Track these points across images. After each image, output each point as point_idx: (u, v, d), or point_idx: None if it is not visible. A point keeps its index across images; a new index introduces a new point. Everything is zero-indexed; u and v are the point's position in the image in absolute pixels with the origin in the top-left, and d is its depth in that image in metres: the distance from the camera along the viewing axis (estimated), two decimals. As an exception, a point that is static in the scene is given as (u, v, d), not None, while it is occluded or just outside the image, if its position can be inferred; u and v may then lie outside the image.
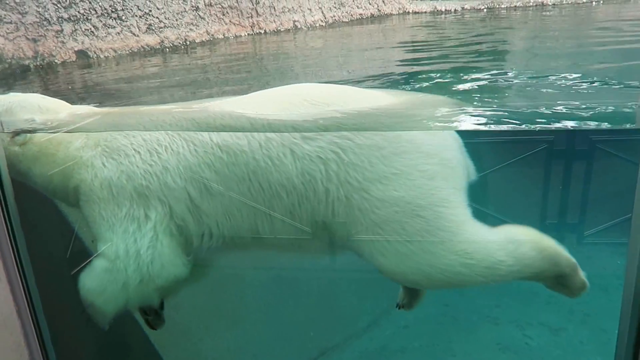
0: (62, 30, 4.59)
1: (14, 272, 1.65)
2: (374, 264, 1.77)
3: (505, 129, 2.12)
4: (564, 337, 2.87)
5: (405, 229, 1.73)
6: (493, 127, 2.14)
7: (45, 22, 4.46)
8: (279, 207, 1.77)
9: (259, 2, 6.44)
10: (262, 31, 6.50)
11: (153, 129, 1.80)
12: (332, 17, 7.58)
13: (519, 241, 1.78)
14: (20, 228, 1.69)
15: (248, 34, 6.33)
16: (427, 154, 1.78)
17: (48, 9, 4.48)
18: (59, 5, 4.55)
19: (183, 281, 1.88)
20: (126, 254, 1.77)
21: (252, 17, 6.40)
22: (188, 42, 5.67)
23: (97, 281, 1.87)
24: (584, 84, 2.69)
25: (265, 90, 1.97)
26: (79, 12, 4.71)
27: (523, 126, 2.11)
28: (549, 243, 1.81)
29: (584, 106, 2.18)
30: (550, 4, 9.02)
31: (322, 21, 7.38)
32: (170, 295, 2.00)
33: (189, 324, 2.93)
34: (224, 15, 6.10)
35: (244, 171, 1.74)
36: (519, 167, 3.18)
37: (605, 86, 2.69)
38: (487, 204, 2.98)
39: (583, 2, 9.01)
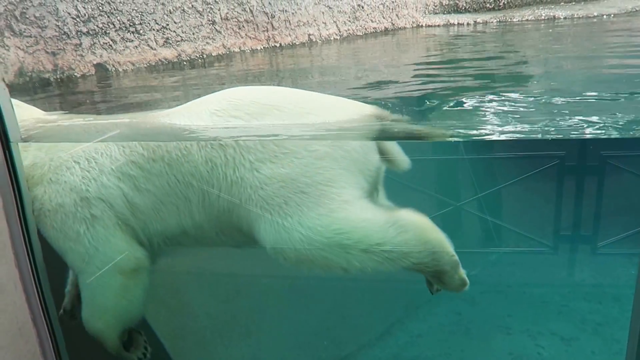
0: (81, 44, 4.69)
1: (29, 281, 1.69)
2: (257, 241, 1.81)
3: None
4: (576, 347, 2.86)
5: (288, 203, 1.76)
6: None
7: (64, 36, 4.56)
8: (193, 197, 1.88)
9: (274, 16, 6.56)
10: (278, 44, 6.60)
11: (93, 139, 1.98)
12: (346, 31, 7.67)
13: (402, 227, 1.75)
14: (37, 237, 1.74)
15: (264, 47, 6.43)
16: None
17: (67, 23, 4.58)
18: (78, 19, 4.65)
19: (147, 274, 2.01)
20: (89, 256, 1.90)
21: (267, 30, 6.51)
22: (205, 56, 5.77)
23: (87, 297, 2.01)
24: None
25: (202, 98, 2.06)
26: (97, 26, 4.82)
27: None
28: (435, 236, 1.79)
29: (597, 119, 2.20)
30: (562, 17, 9.03)
31: (336, 35, 7.47)
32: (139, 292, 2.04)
33: (203, 332, 2.96)
34: (240, 29, 6.21)
35: (161, 165, 1.87)
36: (531, 182, 3.21)
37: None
38: (502, 217, 3.00)
39: (594, 16, 9.01)
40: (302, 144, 1.80)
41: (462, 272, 1.86)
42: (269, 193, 1.77)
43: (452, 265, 1.82)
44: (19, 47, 4.21)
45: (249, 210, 1.80)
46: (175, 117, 1.94)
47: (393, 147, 1.97)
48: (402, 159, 2.00)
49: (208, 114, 1.87)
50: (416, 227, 1.76)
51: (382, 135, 1.94)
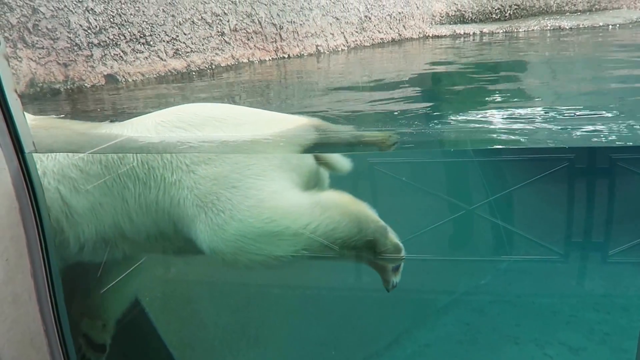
0: (92, 55, 4.75)
1: (44, 291, 1.70)
2: (195, 243, 1.87)
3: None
4: (584, 357, 2.85)
5: (219, 199, 1.84)
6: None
7: (76, 48, 4.62)
8: (130, 199, 1.95)
9: (282, 28, 6.62)
10: (286, 55, 6.66)
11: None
12: (354, 42, 7.72)
13: (325, 205, 1.83)
14: (54, 248, 1.75)
15: (272, 58, 6.49)
16: None
17: (79, 35, 4.64)
18: (89, 31, 4.72)
19: None
20: None
21: (276, 41, 6.57)
22: (214, 66, 5.83)
23: None
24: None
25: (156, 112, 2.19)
26: (108, 37, 4.88)
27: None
28: (356, 207, 1.86)
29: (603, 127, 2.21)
30: (567, 27, 9.05)
31: (344, 45, 7.53)
32: None
33: (212, 342, 2.96)
34: (248, 40, 6.28)
35: (99, 167, 1.95)
36: (540, 185, 3.20)
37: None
38: (510, 221, 2.99)
39: (600, 26, 9.01)
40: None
41: (393, 237, 1.92)
42: (203, 191, 1.86)
43: (380, 232, 1.88)
44: (31, 59, 4.28)
45: (186, 212, 1.88)
46: (128, 127, 2.04)
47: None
48: (341, 163, 2.08)
49: (154, 125, 1.99)
50: (338, 204, 1.85)
51: (317, 145, 2.02)
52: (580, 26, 9.01)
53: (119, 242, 2.02)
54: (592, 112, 2.67)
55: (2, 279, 1.57)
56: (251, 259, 1.84)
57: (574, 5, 11.05)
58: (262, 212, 1.79)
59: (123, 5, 4.98)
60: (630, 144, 2.07)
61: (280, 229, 1.78)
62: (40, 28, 4.34)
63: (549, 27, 9.09)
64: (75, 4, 4.58)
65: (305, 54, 6.85)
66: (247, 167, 1.87)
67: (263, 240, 1.79)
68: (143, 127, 2.01)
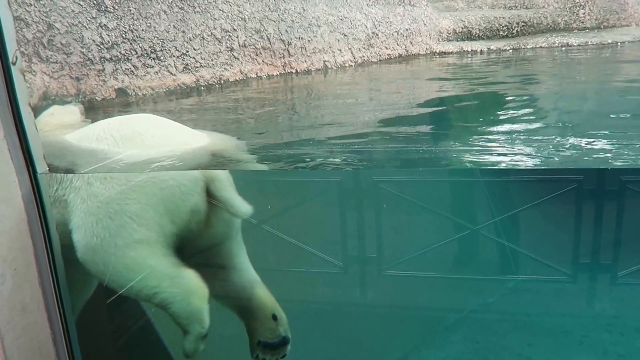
0: (103, 70, 4.83)
1: (52, 300, 1.71)
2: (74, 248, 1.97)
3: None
4: (597, 379, 2.78)
5: (98, 224, 1.95)
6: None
7: (88, 62, 4.70)
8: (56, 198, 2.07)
9: (290, 43, 6.70)
10: (294, 71, 6.72)
11: None
12: (361, 58, 7.79)
13: (175, 283, 1.95)
14: (60, 257, 1.77)
15: (280, 73, 6.56)
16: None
17: (92, 50, 4.73)
18: (102, 46, 4.81)
19: None
20: None
21: (284, 57, 6.65)
22: (222, 81, 5.90)
23: None
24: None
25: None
26: (120, 52, 4.96)
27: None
28: (198, 303, 1.97)
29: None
30: (575, 44, 9.06)
31: (351, 61, 7.60)
32: None
33: (218, 354, 2.94)
34: (257, 55, 6.36)
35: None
36: (548, 207, 3.18)
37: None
38: (518, 242, 2.97)
39: (608, 43, 9.01)
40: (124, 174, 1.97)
41: (197, 346, 2.04)
42: (88, 208, 1.96)
43: (195, 335, 2.00)
44: (45, 73, 4.36)
45: (74, 217, 1.98)
46: (77, 133, 2.21)
47: (229, 194, 2.04)
48: (237, 206, 2.07)
49: (89, 135, 2.15)
50: (186, 289, 1.94)
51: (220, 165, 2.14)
52: (589, 43, 9.02)
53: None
54: (602, 133, 2.66)
55: (11, 287, 1.59)
56: (110, 285, 2.00)
57: (582, 22, 11.09)
58: (124, 257, 1.91)
59: (135, 21, 5.08)
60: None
61: (132, 279, 1.91)
62: (54, 43, 4.42)
63: (556, 44, 9.10)
64: (89, 20, 4.68)
65: (312, 70, 6.91)
66: (126, 200, 1.94)
67: (119, 279, 1.93)
68: (84, 135, 2.16)
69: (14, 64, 1.63)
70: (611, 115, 3.07)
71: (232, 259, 2.21)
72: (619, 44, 9.00)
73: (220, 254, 2.18)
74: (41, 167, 1.75)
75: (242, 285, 2.22)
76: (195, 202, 2.00)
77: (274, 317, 2.18)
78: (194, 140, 2.32)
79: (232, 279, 2.23)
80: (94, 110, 4.51)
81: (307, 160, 2.33)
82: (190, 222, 2.01)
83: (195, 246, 2.11)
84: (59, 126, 2.70)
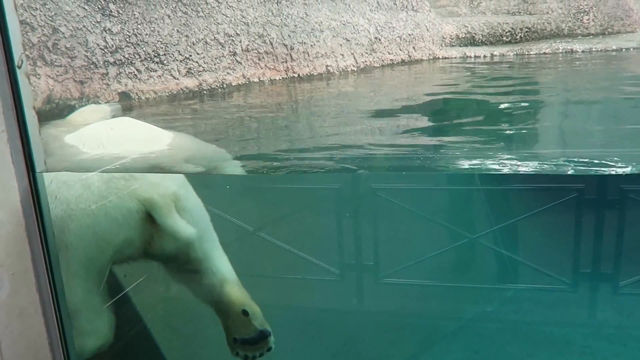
0: (107, 73, 4.85)
1: (49, 305, 1.71)
2: None
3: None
4: (605, 390, 2.75)
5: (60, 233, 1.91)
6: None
7: (92, 66, 4.72)
8: None
9: (293, 48, 6.72)
10: (296, 75, 6.74)
11: None
12: (363, 62, 7.80)
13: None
14: (58, 262, 1.77)
15: (282, 77, 6.57)
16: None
17: (96, 54, 4.75)
18: (106, 50, 4.83)
19: None
20: None
21: (286, 62, 6.66)
22: (225, 85, 5.92)
23: None
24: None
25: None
26: (124, 56, 4.99)
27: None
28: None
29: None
30: (579, 50, 9.03)
31: (354, 66, 7.61)
32: None
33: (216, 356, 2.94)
34: (260, 60, 6.38)
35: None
36: (549, 216, 3.17)
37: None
38: (519, 251, 2.95)
39: (613, 49, 8.97)
40: (85, 194, 1.97)
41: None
42: (56, 212, 1.94)
43: None
44: (49, 76, 4.38)
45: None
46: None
47: (169, 221, 2.03)
48: (179, 233, 2.06)
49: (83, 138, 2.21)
50: (78, 330, 1.93)
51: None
52: (593, 49, 8.99)
53: None
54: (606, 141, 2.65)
55: (8, 292, 1.60)
56: None
57: (586, 28, 11.06)
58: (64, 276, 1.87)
59: (139, 26, 5.10)
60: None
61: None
62: (59, 47, 4.45)
63: (560, 50, 9.08)
64: (93, 24, 4.70)
65: (315, 74, 6.93)
66: (71, 215, 1.93)
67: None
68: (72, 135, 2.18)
69: (19, 67, 1.64)
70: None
71: (201, 263, 2.22)
72: (623, 50, 8.96)
73: (188, 259, 2.19)
74: (41, 176, 1.75)
75: (212, 285, 2.21)
76: (126, 236, 2.01)
77: (245, 313, 2.16)
78: (158, 140, 2.36)
79: (202, 280, 2.22)
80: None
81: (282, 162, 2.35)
82: (122, 252, 2.04)
83: (149, 258, 2.15)
84: (82, 124, 2.77)
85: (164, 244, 2.07)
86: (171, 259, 2.18)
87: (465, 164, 2.22)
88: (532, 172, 2.11)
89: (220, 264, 2.25)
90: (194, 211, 2.16)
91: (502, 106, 4.16)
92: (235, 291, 2.22)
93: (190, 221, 2.09)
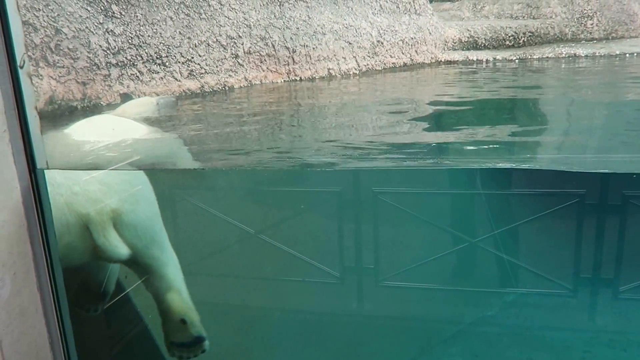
0: (109, 75, 4.86)
1: (50, 305, 1.72)
2: None
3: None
4: (605, 395, 2.74)
5: None
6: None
7: (94, 67, 4.73)
8: None
9: (295, 51, 6.73)
10: (298, 78, 6.75)
11: None
12: (365, 66, 7.82)
13: None
14: (58, 261, 1.78)
15: (284, 80, 6.59)
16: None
17: (98, 55, 4.77)
18: (108, 51, 4.85)
19: None
20: None
21: (288, 64, 6.68)
22: (227, 87, 5.93)
23: None
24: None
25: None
26: (126, 58, 5.00)
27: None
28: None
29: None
30: (583, 55, 9.02)
31: (355, 69, 7.62)
32: None
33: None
34: (261, 62, 6.39)
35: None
36: (550, 221, 3.17)
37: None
38: (519, 255, 2.95)
39: (617, 54, 8.95)
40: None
41: None
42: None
43: None
44: (52, 77, 4.40)
45: None
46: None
47: (101, 240, 2.06)
48: (109, 253, 2.09)
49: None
50: None
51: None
52: (597, 54, 8.97)
53: None
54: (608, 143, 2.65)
55: (10, 291, 1.60)
56: None
57: (590, 33, 11.06)
58: None
59: (142, 27, 5.12)
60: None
61: None
62: (62, 48, 4.47)
63: (564, 55, 9.06)
64: (96, 26, 4.72)
65: (316, 77, 6.94)
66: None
67: None
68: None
69: (21, 67, 1.65)
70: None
71: (149, 268, 2.28)
72: (627, 55, 8.93)
73: (137, 263, 2.25)
74: (42, 174, 1.76)
75: (158, 289, 2.28)
76: (68, 242, 2.03)
77: (183, 322, 2.24)
78: (130, 132, 2.63)
79: (152, 282, 2.29)
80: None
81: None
82: (70, 256, 2.05)
83: (102, 260, 2.21)
84: (132, 115, 3.24)
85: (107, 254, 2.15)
86: (121, 262, 2.23)
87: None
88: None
89: (168, 271, 2.31)
90: (139, 225, 2.21)
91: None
92: (177, 300, 2.28)
93: (133, 235, 2.16)
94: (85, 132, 2.94)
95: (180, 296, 2.28)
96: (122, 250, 2.10)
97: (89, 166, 2.31)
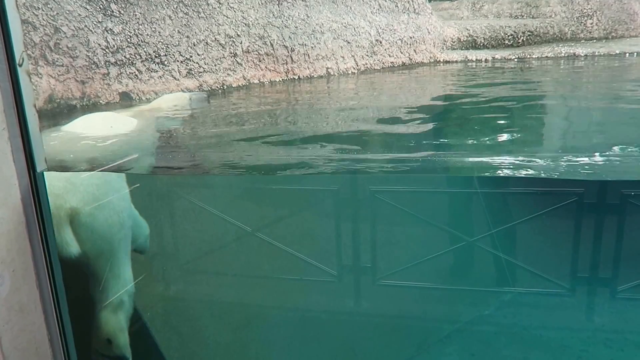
0: (108, 74, 4.87)
1: (49, 302, 1.73)
2: None
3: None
4: (600, 394, 2.75)
5: None
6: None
7: (93, 66, 4.74)
8: None
9: (294, 50, 6.74)
10: (296, 77, 6.76)
11: None
12: (364, 65, 7.82)
13: None
14: (57, 259, 1.78)
15: (282, 79, 6.59)
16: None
17: (97, 54, 4.77)
18: (107, 50, 4.85)
19: None
20: None
21: (287, 63, 6.68)
22: (225, 86, 5.94)
23: None
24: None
25: None
26: (125, 56, 5.00)
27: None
28: None
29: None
30: (582, 54, 9.02)
31: (354, 68, 7.62)
32: None
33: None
34: (260, 61, 6.40)
35: None
36: (548, 220, 3.17)
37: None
38: (517, 254, 2.96)
39: (616, 54, 8.96)
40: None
41: None
42: None
43: None
44: (51, 76, 4.40)
45: None
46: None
47: (57, 234, 2.05)
48: (60, 249, 2.07)
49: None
50: None
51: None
52: (596, 54, 8.97)
53: None
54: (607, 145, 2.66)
55: (9, 288, 1.61)
56: None
57: (589, 32, 11.07)
58: None
59: (140, 26, 5.12)
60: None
61: None
62: (61, 46, 4.47)
63: (563, 54, 9.07)
64: (95, 24, 4.72)
65: (315, 76, 6.95)
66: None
67: None
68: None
69: (20, 65, 1.65)
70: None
71: (96, 275, 2.30)
72: (627, 54, 8.93)
73: (88, 264, 2.27)
74: (41, 174, 1.76)
75: (97, 301, 2.31)
76: None
77: (109, 341, 2.27)
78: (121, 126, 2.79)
79: (93, 291, 2.31)
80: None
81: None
82: None
83: None
84: (167, 109, 3.40)
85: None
86: (71, 262, 2.24)
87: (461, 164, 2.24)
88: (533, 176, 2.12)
89: (113, 287, 2.32)
90: (96, 230, 2.22)
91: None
92: (109, 320, 2.30)
93: (88, 238, 2.17)
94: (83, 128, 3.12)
95: (114, 316, 2.28)
96: (72, 249, 2.11)
97: (83, 166, 2.32)
